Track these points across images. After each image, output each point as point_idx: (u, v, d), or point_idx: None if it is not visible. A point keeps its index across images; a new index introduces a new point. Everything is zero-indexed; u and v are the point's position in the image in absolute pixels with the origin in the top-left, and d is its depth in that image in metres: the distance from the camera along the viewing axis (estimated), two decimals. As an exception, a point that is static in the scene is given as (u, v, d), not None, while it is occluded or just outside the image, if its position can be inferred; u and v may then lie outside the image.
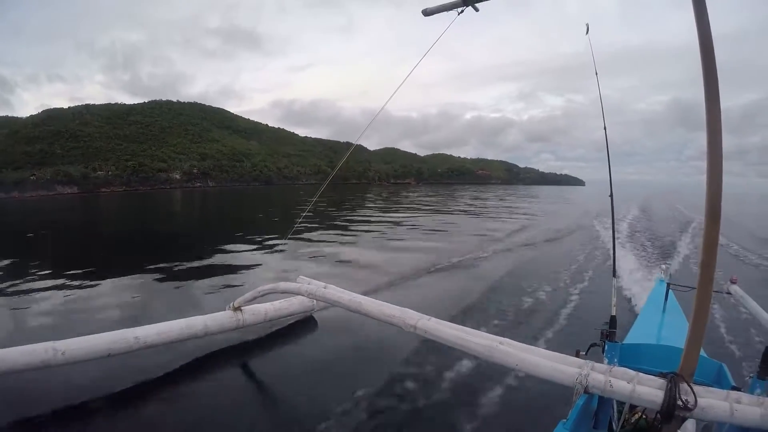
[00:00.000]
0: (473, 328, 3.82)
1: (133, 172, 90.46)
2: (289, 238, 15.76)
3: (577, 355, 3.16)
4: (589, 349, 3.34)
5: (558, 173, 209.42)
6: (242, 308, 6.26)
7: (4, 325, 7.54)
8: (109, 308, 8.22)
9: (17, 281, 10.30)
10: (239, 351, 6.21)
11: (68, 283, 10.05)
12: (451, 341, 3.63)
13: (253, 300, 6.11)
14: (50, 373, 4.73)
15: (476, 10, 4.18)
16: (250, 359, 6.10)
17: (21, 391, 4.69)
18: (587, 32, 4.56)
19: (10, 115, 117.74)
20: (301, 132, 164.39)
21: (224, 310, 6.23)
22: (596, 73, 4.63)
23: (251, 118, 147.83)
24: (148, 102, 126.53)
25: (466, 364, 5.42)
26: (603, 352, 3.39)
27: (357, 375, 5.48)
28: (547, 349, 3.47)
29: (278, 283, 5.79)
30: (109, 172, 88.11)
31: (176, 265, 12.17)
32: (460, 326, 3.86)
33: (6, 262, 12.51)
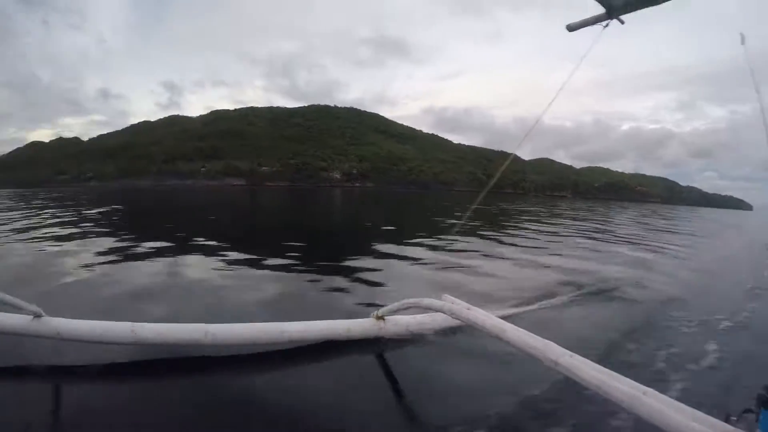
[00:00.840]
0: (616, 371, 3.46)
1: (296, 170, 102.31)
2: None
3: (727, 420, 2.86)
4: (741, 414, 2.88)
5: (722, 194, 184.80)
6: (385, 318, 6.27)
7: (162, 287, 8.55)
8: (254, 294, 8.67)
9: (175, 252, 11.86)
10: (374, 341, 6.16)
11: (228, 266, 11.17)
12: (593, 384, 3.45)
13: (396, 311, 6.12)
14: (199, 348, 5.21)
15: (622, 22, 4.01)
16: (385, 353, 5.98)
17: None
18: (743, 42, 3.93)
19: (180, 114, 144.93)
20: (454, 139, 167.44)
21: (367, 317, 6.30)
22: (757, 91, 3.82)
23: (405, 124, 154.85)
24: (308, 106, 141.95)
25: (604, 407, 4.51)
26: (757, 420, 2.82)
27: (488, 395, 4.99)
28: (689, 404, 3.10)
29: (423, 298, 5.73)
30: (274, 168, 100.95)
31: (337, 262, 12.38)
32: (604, 368, 3.59)
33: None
